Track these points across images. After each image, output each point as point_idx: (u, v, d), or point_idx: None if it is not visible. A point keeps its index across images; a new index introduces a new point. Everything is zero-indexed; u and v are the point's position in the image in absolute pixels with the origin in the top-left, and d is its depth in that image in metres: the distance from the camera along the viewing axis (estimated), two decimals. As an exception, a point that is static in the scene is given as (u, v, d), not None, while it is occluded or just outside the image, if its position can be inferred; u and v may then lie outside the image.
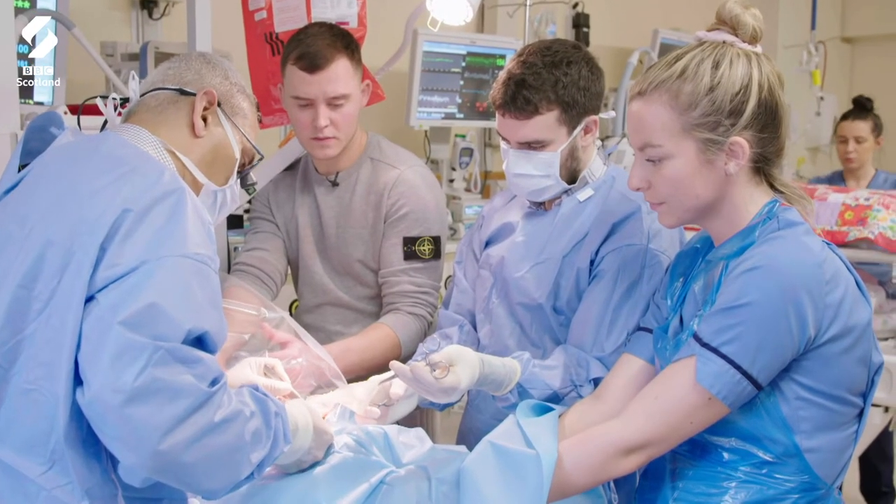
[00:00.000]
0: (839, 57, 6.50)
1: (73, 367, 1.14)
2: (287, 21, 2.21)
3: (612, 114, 1.93)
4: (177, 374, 1.12)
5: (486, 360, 1.57)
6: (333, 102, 1.98)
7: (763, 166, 1.42)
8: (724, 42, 1.40)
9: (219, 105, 1.47)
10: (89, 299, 1.15)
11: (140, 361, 1.10)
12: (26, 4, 2.24)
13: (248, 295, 1.89)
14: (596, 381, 1.64)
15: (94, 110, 2.14)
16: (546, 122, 1.69)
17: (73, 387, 1.15)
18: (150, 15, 3.43)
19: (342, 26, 2.19)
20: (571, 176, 1.77)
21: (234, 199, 1.53)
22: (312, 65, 1.95)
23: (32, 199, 1.27)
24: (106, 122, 1.50)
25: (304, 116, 2.01)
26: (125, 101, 1.49)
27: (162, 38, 3.34)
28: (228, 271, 2.20)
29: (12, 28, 1.65)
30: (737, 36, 1.40)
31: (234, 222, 2.52)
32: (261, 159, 1.57)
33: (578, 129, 1.72)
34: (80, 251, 1.16)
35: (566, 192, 1.79)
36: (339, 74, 1.97)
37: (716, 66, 1.37)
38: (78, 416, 1.16)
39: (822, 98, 5.96)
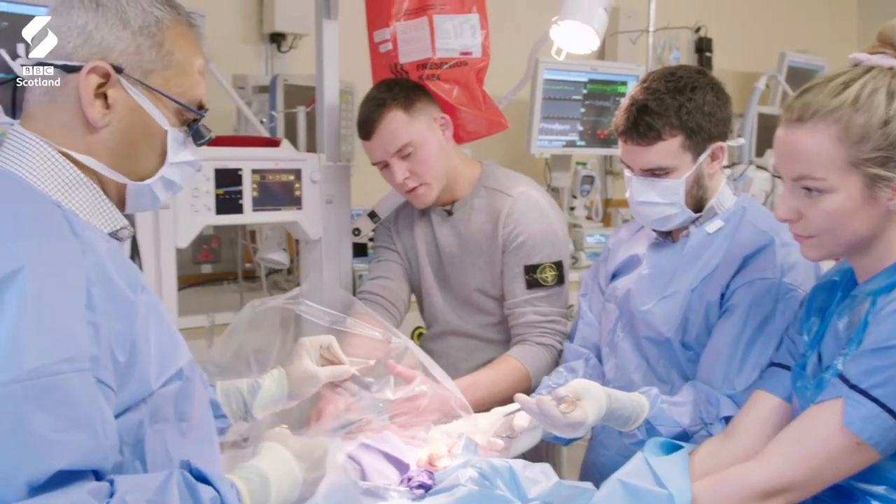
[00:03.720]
0: None
1: None
2: (411, 52, 2.24)
3: (741, 141, 1.88)
4: None
5: (613, 394, 1.54)
6: (402, 155, 2.03)
7: None
8: (892, 68, 1.30)
9: (120, 71, 1.12)
10: None
11: None
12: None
13: (375, 322, 1.90)
14: (727, 420, 1.59)
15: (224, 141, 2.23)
16: (669, 149, 1.65)
17: None
18: (279, 48, 3.55)
19: (465, 57, 2.21)
20: (698, 204, 1.73)
21: (180, 173, 1.22)
22: (365, 132, 2.04)
23: None
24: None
25: (387, 176, 2.09)
26: (11, 80, 1.17)
27: (290, 70, 3.44)
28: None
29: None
30: None
31: (359, 250, 2.56)
32: (205, 111, 1.22)
33: (704, 155, 1.68)
34: None
35: (693, 222, 1.74)
36: (393, 128, 2.01)
37: (891, 96, 1.28)
38: None
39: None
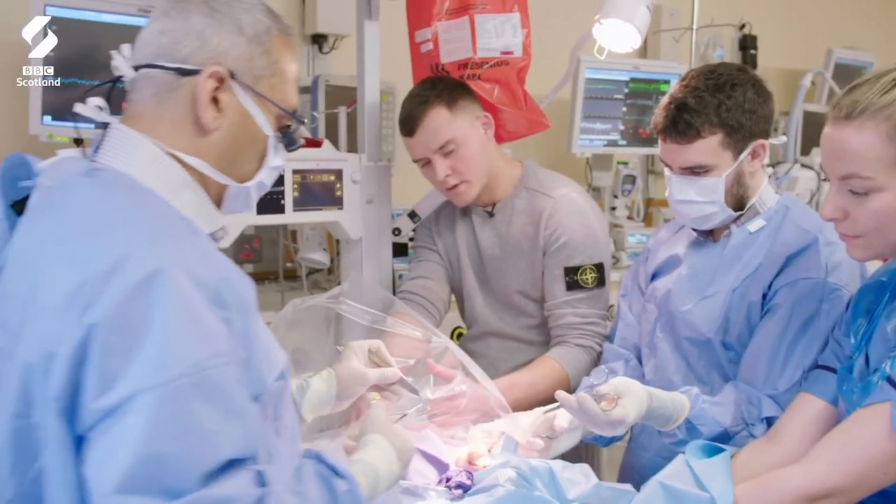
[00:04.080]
0: None
1: None
2: (453, 52, 2.24)
3: (783, 139, 1.85)
4: None
5: (654, 393, 1.53)
6: (444, 152, 2.03)
7: None
8: None
9: (233, 77, 1.15)
10: (83, 439, 0.94)
11: None
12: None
13: (415, 322, 1.91)
14: (768, 421, 1.57)
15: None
16: (709, 146, 1.64)
17: None
18: (321, 49, 3.58)
19: (506, 56, 2.21)
20: (738, 203, 1.71)
21: (274, 173, 1.26)
22: (408, 129, 2.04)
23: (8, 296, 1.03)
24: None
25: (428, 174, 2.09)
26: (116, 80, 1.17)
27: (331, 71, 3.47)
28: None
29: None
30: None
31: (399, 250, 2.57)
32: (301, 123, 1.25)
33: (744, 153, 1.66)
34: (53, 379, 0.94)
35: (735, 221, 1.73)
36: (435, 125, 2.02)
37: None
38: None
39: None
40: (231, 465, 0.96)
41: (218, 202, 1.21)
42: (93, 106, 1.14)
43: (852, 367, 1.41)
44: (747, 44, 4.31)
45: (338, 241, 2.52)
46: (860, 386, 1.36)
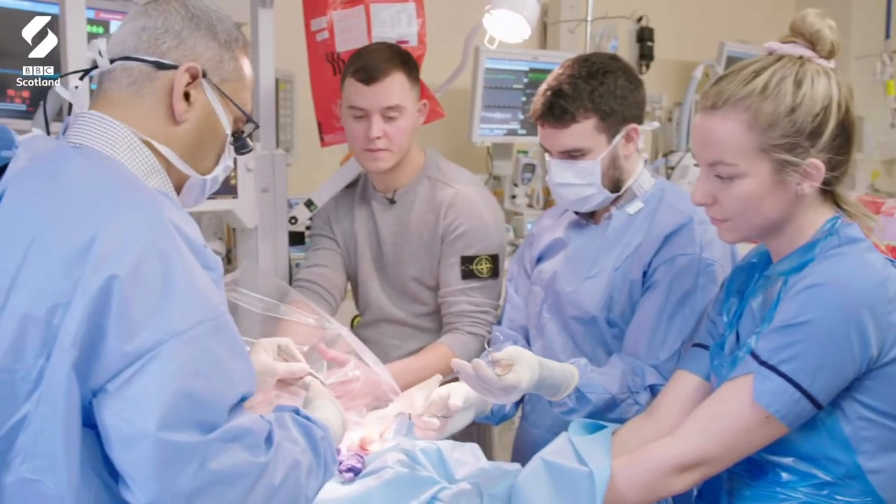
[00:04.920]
0: (916, 67, 6.29)
1: (77, 463, 1.02)
2: (348, 41, 2.25)
3: (656, 125, 1.94)
4: (232, 457, 1.03)
5: (545, 363, 1.57)
6: (387, 114, 2.02)
7: (832, 184, 1.38)
8: (801, 57, 1.36)
9: (204, 76, 1.24)
10: (99, 390, 1.01)
11: (193, 463, 1.00)
12: (100, 30, 2.33)
13: (309, 309, 1.91)
14: (652, 388, 1.66)
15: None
16: (584, 130, 1.72)
17: (78, 484, 1.02)
18: (217, 37, 3.51)
19: (401, 45, 2.22)
20: (615, 185, 1.79)
21: (225, 172, 1.35)
22: (369, 77, 2.01)
23: None
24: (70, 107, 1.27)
25: (358, 128, 2.05)
26: (90, 70, 1.26)
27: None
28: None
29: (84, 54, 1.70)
30: (815, 51, 1.36)
31: (296, 239, 2.56)
32: (255, 127, 1.37)
33: (618, 137, 1.75)
34: (64, 329, 1.00)
35: (614, 203, 1.81)
36: (395, 87, 2.02)
37: (798, 84, 1.33)
38: None
39: (897, 109, 5.78)
40: (242, 400, 1.08)
41: (176, 193, 1.28)
42: (73, 87, 1.24)
43: (724, 343, 1.48)
44: (644, 36, 4.41)
45: (234, 229, 2.49)
46: (729, 360, 1.43)
